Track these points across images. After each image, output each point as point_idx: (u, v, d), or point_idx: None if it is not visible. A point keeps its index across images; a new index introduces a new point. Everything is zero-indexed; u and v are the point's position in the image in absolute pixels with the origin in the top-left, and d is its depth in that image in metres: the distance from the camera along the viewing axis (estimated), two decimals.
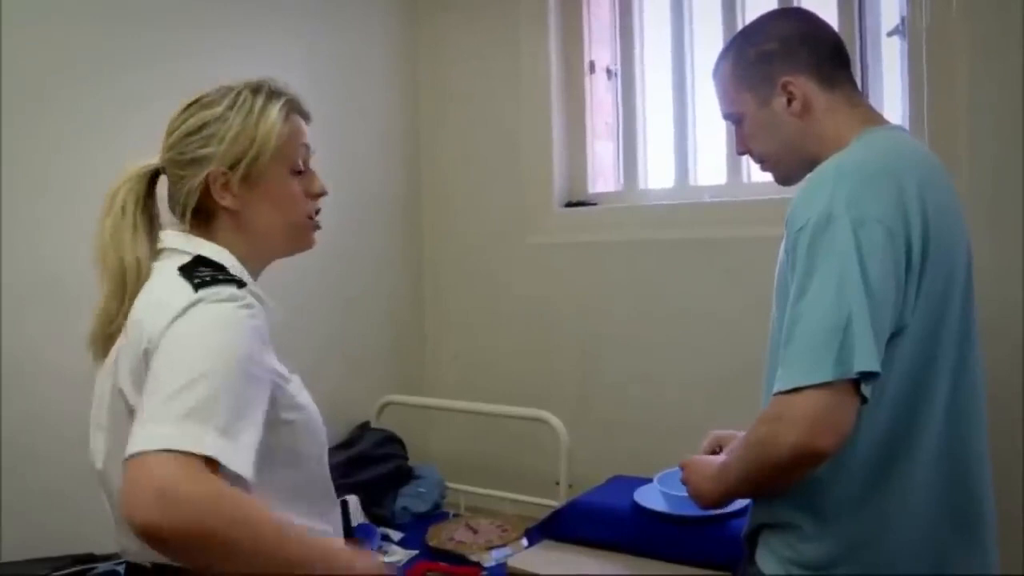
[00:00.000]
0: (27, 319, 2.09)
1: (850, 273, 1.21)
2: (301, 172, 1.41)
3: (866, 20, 2.48)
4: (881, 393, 1.25)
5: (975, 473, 1.37)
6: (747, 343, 2.20)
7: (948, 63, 2.22)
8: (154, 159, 1.36)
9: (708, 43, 2.75)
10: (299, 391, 1.34)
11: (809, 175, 1.39)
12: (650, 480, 2.25)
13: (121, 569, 1.36)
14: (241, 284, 1.25)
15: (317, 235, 1.48)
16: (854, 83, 1.50)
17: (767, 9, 1.64)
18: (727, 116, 1.56)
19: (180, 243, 1.32)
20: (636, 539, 2.18)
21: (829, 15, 2.36)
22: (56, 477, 2.05)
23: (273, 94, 1.37)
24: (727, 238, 2.61)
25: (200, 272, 1.24)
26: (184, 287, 1.21)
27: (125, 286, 1.30)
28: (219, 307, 1.18)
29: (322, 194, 1.43)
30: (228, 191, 1.32)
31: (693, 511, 2.03)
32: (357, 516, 2.39)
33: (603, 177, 3.04)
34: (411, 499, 2.74)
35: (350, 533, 1.40)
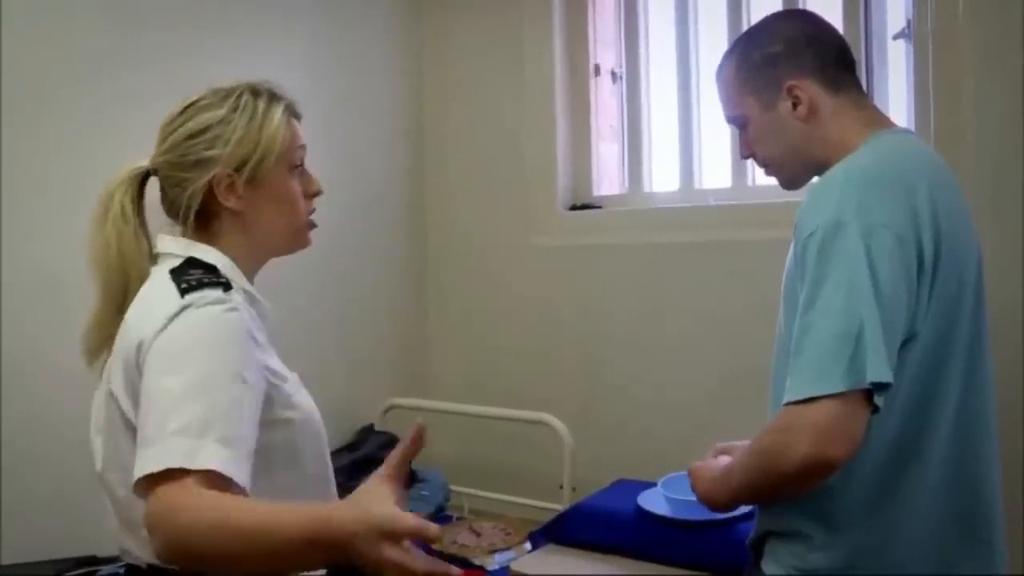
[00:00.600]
0: (27, 319, 2.09)
1: (861, 281, 1.19)
2: (300, 174, 1.41)
3: (872, 23, 2.48)
4: (892, 398, 1.23)
5: (984, 475, 1.36)
6: (751, 346, 2.20)
7: (954, 66, 2.22)
8: (144, 161, 1.36)
9: (713, 45, 2.74)
10: (296, 390, 1.34)
11: (816, 181, 1.38)
12: (654, 484, 2.24)
13: (123, 572, 1.36)
14: (228, 287, 1.25)
15: (313, 234, 1.47)
16: (860, 86, 1.49)
17: (771, 11, 1.62)
18: (731, 120, 1.54)
19: (175, 247, 1.32)
20: (640, 543, 2.18)
21: (834, 18, 2.35)
22: (56, 478, 2.05)
23: (274, 97, 1.38)
24: (732, 241, 2.60)
25: (189, 275, 1.25)
26: (171, 292, 1.22)
27: (126, 291, 1.31)
28: (206, 312, 1.19)
29: (318, 193, 1.44)
30: (233, 193, 1.32)
31: (697, 515, 2.03)
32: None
33: (608, 180, 3.03)
34: (415, 502, 2.73)
35: None
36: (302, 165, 1.41)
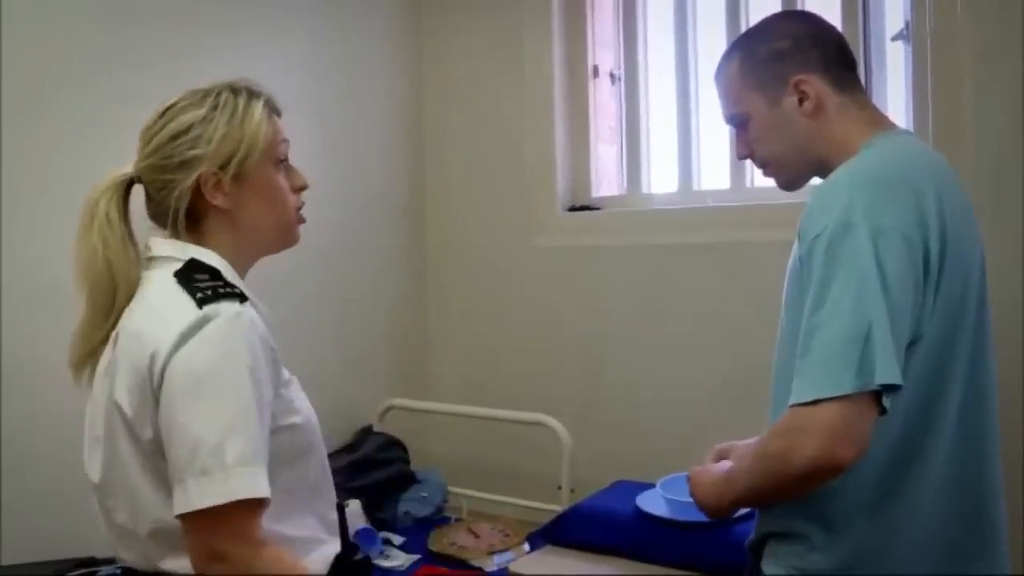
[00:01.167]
0: (27, 319, 2.08)
1: (869, 283, 1.19)
2: (286, 168, 1.41)
3: (870, 25, 2.48)
4: (895, 399, 1.22)
5: (986, 476, 1.36)
6: (750, 347, 2.20)
7: (952, 67, 2.22)
8: (127, 168, 1.35)
9: (712, 47, 2.74)
10: (296, 394, 1.34)
11: (820, 182, 1.37)
12: (653, 485, 2.24)
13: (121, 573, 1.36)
14: (243, 297, 1.26)
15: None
16: (862, 86, 1.49)
17: (770, 12, 1.61)
18: (731, 118, 1.53)
19: (171, 250, 1.32)
20: (639, 544, 2.18)
21: (833, 19, 2.31)
22: (56, 479, 2.04)
23: (253, 94, 1.37)
24: (730, 242, 2.61)
25: (198, 281, 1.25)
26: (186, 302, 1.22)
27: (114, 298, 1.31)
28: (228, 329, 1.20)
29: (305, 187, 1.44)
30: (220, 191, 1.32)
31: (696, 516, 2.02)
32: (359, 520, 2.38)
33: (606, 181, 3.03)
34: (413, 503, 2.73)
35: (347, 537, 1.40)
36: (287, 160, 1.41)
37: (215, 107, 1.32)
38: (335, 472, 1.43)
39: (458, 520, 2.72)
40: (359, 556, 1.40)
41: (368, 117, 3.07)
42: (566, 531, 2.31)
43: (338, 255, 2.90)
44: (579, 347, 2.93)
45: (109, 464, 1.27)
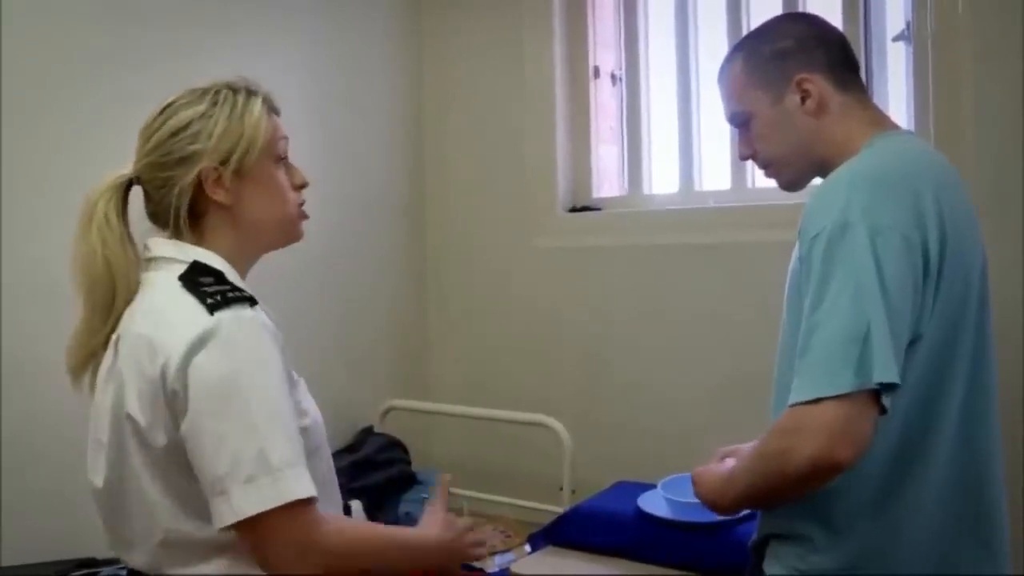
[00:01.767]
0: (27, 319, 2.08)
1: (868, 282, 1.18)
2: (286, 166, 1.41)
3: (871, 25, 2.48)
4: (896, 400, 1.22)
5: (988, 476, 1.36)
6: (752, 347, 2.20)
7: (953, 68, 2.22)
8: (126, 170, 1.35)
9: (713, 48, 2.75)
10: (304, 395, 1.34)
11: (821, 182, 1.37)
12: (654, 486, 2.24)
13: (124, 574, 1.36)
14: (254, 301, 1.25)
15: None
16: (864, 87, 1.49)
17: (772, 14, 1.61)
18: (733, 116, 1.52)
19: (172, 251, 1.31)
20: (640, 545, 2.18)
21: (834, 20, 2.30)
22: (56, 479, 2.04)
23: (251, 91, 1.37)
24: (731, 243, 2.60)
25: (205, 285, 1.24)
26: (195, 308, 1.21)
27: (113, 300, 1.30)
28: (245, 335, 1.20)
29: (304, 185, 1.44)
30: (221, 187, 1.32)
31: (698, 517, 2.03)
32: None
33: (607, 182, 3.03)
34: (414, 504, 2.72)
35: None
36: (287, 158, 1.41)
37: (214, 103, 1.32)
38: (336, 472, 1.43)
39: None
40: None
41: (368, 117, 3.07)
42: (567, 532, 2.31)
43: (338, 256, 2.90)
44: (580, 348, 2.93)
45: (115, 471, 1.26)
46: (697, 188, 2.82)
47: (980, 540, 1.34)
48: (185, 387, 1.17)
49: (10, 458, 2.05)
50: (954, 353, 1.31)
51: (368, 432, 2.92)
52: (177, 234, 1.32)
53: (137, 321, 1.26)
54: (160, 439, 1.20)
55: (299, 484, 1.15)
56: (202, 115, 1.31)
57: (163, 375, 1.18)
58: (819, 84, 1.42)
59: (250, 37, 2.64)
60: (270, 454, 1.14)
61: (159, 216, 1.34)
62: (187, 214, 1.32)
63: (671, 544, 2.12)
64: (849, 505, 1.30)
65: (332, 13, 2.92)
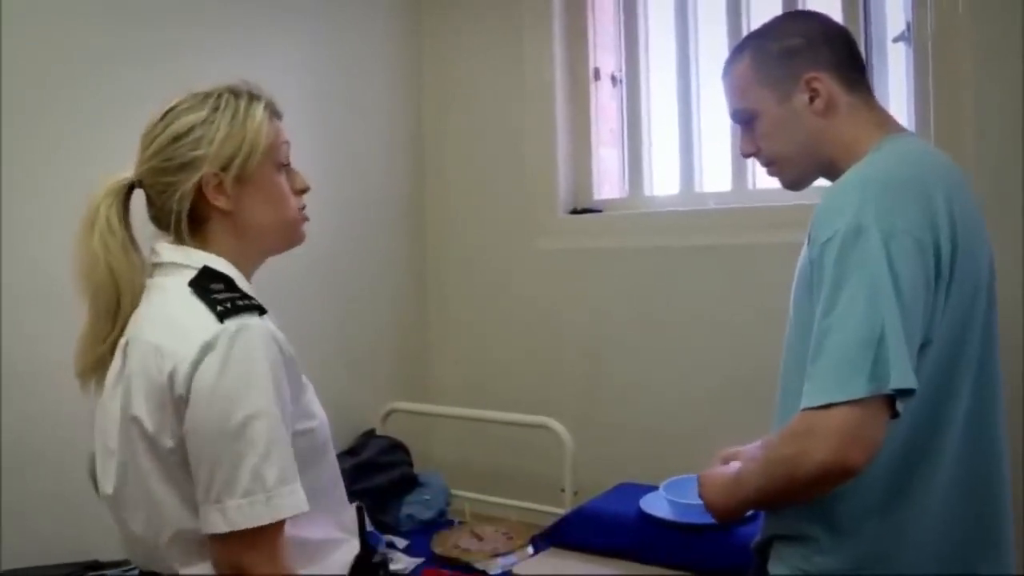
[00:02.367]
0: (27, 319, 2.07)
1: (882, 286, 1.18)
2: (287, 171, 1.41)
3: (871, 26, 2.48)
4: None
5: (994, 477, 1.35)
6: (753, 349, 2.20)
7: (953, 69, 2.22)
8: (128, 173, 1.34)
9: (713, 49, 2.75)
10: (312, 399, 1.34)
11: (831, 185, 1.36)
12: (656, 487, 2.24)
13: None
14: (263, 310, 1.25)
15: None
16: (871, 88, 1.48)
17: (772, 15, 1.60)
18: (737, 113, 1.51)
19: (180, 256, 1.31)
20: (642, 547, 2.17)
21: None
22: (57, 481, 2.03)
23: (254, 96, 1.37)
24: (732, 245, 2.60)
25: (215, 292, 1.24)
26: (204, 314, 1.21)
27: (118, 305, 1.30)
28: (252, 347, 1.20)
29: (306, 190, 1.43)
30: (222, 193, 1.31)
31: (699, 519, 2.02)
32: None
33: (608, 184, 3.03)
34: (416, 506, 2.72)
35: (365, 537, 1.41)
36: (288, 163, 1.40)
37: (216, 108, 1.32)
38: None
39: (461, 523, 2.71)
40: (377, 558, 1.41)
41: (368, 117, 3.07)
42: (569, 533, 2.30)
43: (338, 258, 2.90)
44: (581, 349, 2.93)
45: (125, 475, 1.25)
46: (698, 190, 2.82)
47: (987, 541, 1.34)
48: (189, 392, 1.17)
49: (10, 460, 2.04)
50: (962, 354, 1.30)
51: (370, 435, 2.91)
52: (179, 239, 1.32)
53: (145, 327, 1.26)
54: (168, 442, 1.20)
55: (292, 500, 1.18)
56: (204, 120, 1.31)
57: (171, 380, 1.18)
58: (828, 84, 1.41)
59: (250, 37, 2.63)
60: (266, 472, 1.16)
61: (161, 220, 1.34)
62: (189, 219, 1.31)
63: (673, 546, 2.11)
64: (855, 506, 1.29)
65: (332, 13, 2.92)
